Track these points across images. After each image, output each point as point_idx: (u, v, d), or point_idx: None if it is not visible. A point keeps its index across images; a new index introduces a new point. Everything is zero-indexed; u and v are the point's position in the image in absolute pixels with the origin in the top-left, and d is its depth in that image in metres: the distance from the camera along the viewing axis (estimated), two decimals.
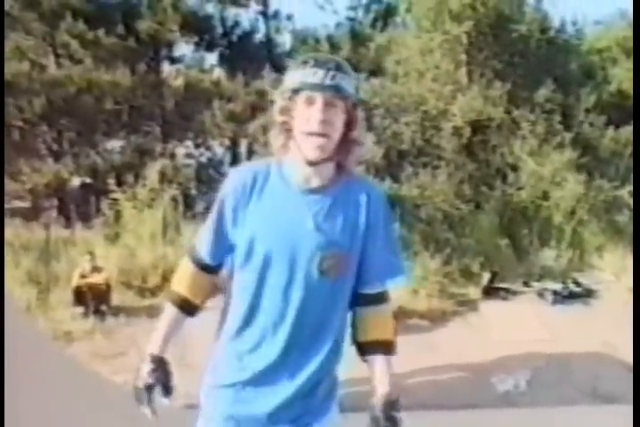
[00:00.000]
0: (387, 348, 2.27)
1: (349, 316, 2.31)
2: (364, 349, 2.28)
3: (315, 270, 2.15)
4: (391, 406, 2.18)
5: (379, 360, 2.25)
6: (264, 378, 2.21)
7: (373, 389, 2.23)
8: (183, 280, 2.38)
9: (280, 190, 2.20)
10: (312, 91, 2.10)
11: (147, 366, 2.25)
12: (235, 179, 2.24)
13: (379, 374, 2.24)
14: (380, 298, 2.29)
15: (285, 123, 2.17)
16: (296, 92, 2.12)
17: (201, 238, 2.34)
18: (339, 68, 2.12)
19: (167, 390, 2.25)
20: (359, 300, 2.28)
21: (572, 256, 9.90)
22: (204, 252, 2.32)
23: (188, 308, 2.36)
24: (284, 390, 2.20)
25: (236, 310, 2.26)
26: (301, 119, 2.13)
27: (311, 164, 2.15)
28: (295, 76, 2.13)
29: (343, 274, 2.19)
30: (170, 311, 2.36)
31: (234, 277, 2.27)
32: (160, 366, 2.26)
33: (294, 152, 2.18)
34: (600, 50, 15.55)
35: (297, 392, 2.20)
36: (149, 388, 2.22)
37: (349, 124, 2.17)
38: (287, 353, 2.18)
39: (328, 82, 2.08)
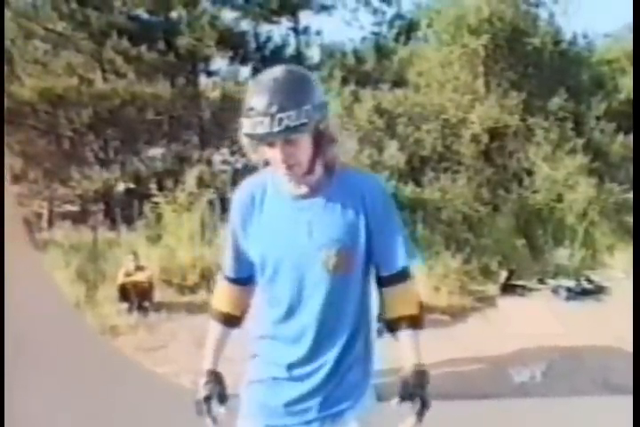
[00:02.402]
0: (412, 322, 2.18)
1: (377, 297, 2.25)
2: (392, 326, 2.20)
3: (323, 271, 2.10)
4: (422, 374, 2.09)
5: (405, 334, 2.17)
6: (293, 371, 2.19)
7: (403, 362, 2.14)
8: (221, 297, 2.38)
9: (277, 201, 2.17)
10: (265, 140, 1.99)
11: (203, 380, 2.26)
12: (237, 198, 2.23)
13: (406, 348, 2.16)
14: (400, 277, 2.20)
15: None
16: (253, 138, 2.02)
17: (225, 257, 2.35)
18: (283, 104, 1.93)
19: (222, 399, 2.24)
20: (381, 281, 2.22)
21: (584, 255, 9.83)
22: (228, 268, 2.34)
23: (231, 321, 2.35)
24: (312, 380, 2.18)
25: (262, 316, 2.26)
26: (268, 154, 2.06)
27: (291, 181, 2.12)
28: (246, 125, 1.98)
29: (352, 269, 2.13)
30: (214, 328, 2.36)
31: (259, 285, 2.26)
32: (214, 378, 2.26)
33: None
34: (610, 61, 15.39)
35: (324, 381, 2.18)
36: (207, 399, 2.21)
37: (318, 136, 2.05)
38: (313, 348, 2.16)
39: (276, 129, 1.92)
